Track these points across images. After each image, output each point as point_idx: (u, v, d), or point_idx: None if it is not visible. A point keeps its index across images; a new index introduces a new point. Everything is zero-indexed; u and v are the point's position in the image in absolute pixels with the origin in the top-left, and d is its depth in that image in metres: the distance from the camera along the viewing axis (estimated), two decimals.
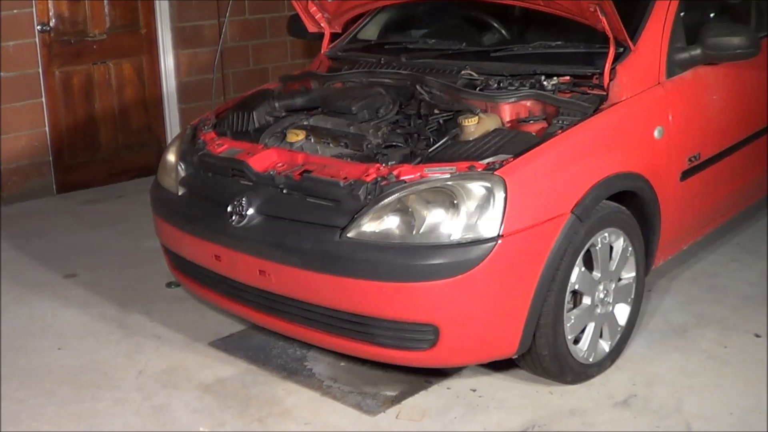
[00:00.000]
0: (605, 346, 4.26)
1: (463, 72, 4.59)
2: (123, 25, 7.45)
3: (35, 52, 6.90)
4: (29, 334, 4.83)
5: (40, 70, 6.94)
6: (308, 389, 4.17)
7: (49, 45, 7.05)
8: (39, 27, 6.96)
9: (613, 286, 4.24)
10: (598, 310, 4.17)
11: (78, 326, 4.90)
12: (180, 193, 4.54)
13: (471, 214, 3.69)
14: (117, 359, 4.53)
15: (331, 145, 4.31)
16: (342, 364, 4.34)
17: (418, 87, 4.53)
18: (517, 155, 3.86)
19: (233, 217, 4.08)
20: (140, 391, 4.23)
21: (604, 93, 4.27)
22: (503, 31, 5.26)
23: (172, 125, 7.74)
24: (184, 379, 4.30)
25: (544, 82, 4.36)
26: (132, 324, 4.89)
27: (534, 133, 4.11)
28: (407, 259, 3.70)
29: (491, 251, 3.66)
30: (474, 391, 4.12)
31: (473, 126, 4.11)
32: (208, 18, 7.71)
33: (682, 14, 4.68)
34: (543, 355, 3.97)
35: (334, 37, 5.49)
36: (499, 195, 3.70)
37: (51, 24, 7.04)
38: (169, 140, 7.41)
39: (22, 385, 4.30)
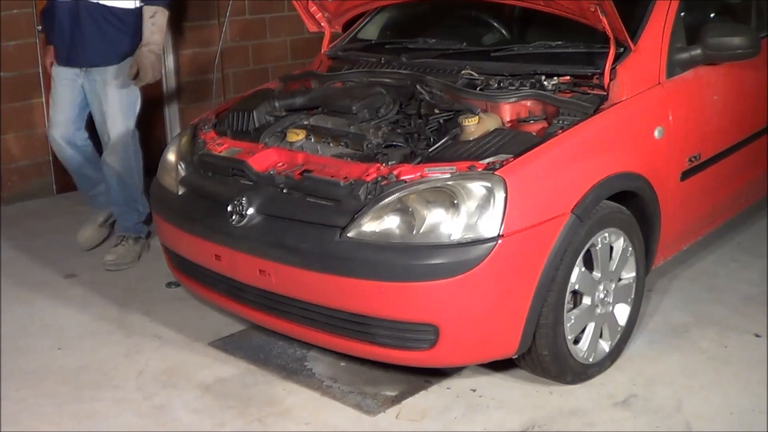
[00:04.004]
0: (605, 346, 4.26)
1: (463, 72, 4.59)
2: None
3: (35, 52, 6.89)
4: (29, 334, 4.83)
5: (40, 70, 6.93)
6: (308, 389, 4.17)
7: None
8: (39, 27, 6.94)
9: (613, 286, 4.23)
10: (598, 310, 4.17)
11: (78, 326, 4.90)
12: (180, 193, 4.54)
13: (471, 213, 3.69)
14: (117, 359, 4.53)
15: (331, 144, 4.31)
16: (342, 364, 4.34)
17: (418, 87, 4.53)
18: (517, 155, 3.86)
19: (233, 217, 4.07)
20: (140, 391, 4.23)
21: (605, 93, 4.27)
22: (503, 31, 5.26)
23: (172, 125, 7.72)
24: (184, 379, 4.30)
25: (545, 82, 4.35)
26: (132, 324, 4.89)
27: (534, 133, 4.10)
28: (407, 258, 3.70)
29: (491, 251, 3.66)
30: (474, 391, 4.12)
31: (473, 126, 4.11)
32: (208, 18, 7.71)
33: (682, 14, 4.68)
34: (543, 355, 3.97)
35: (335, 36, 5.50)
36: (500, 195, 3.70)
37: None
38: (169, 140, 7.40)
39: (22, 385, 4.30)
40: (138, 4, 5.53)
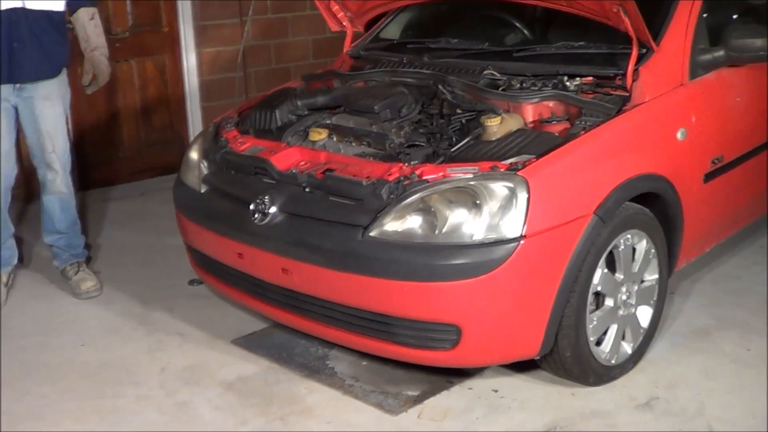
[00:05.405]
0: (627, 347, 4.25)
1: (485, 72, 4.59)
2: (146, 24, 7.47)
3: None
4: (52, 329, 4.86)
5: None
6: (330, 388, 4.18)
7: (71, 43, 7.06)
8: None
9: (636, 287, 4.23)
10: (621, 312, 4.16)
11: (101, 323, 4.93)
12: (203, 191, 4.56)
13: (493, 214, 3.69)
14: (139, 356, 4.55)
15: (353, 144, 4.31)
16: (364, 363, 4.35)
17: (440, 86, 4.52)
18: (539, 156, 3.86)
19: (256, 215, 4.09)
20: (162, 387, 4.25)
21: (627, 94, 4.26)
22: (526, 31, 5.25)
23: (195, 123, 7.75)
24: (207, 377, 4.32)
25: (567, 83, 4.35)
26: (155, 321, 4.92)
27: (557, 134, 4.10)
28: (429, 258, 3.70)
29: (514, 252, 3.66)
30: (496, 391, 4.12)
31: (496, 126, 4.11)
32: (230, 17, 7.73)
33: (705, 15, 4.66)
34: (565, 356, 3.97)
35: (357, 36, 5.51)
36: (522, 195, 3.70)
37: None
38: (191, 138, 7.43)
39: (44, 380, 4.33)
40: (64, 7, 5.08)
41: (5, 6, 4.86)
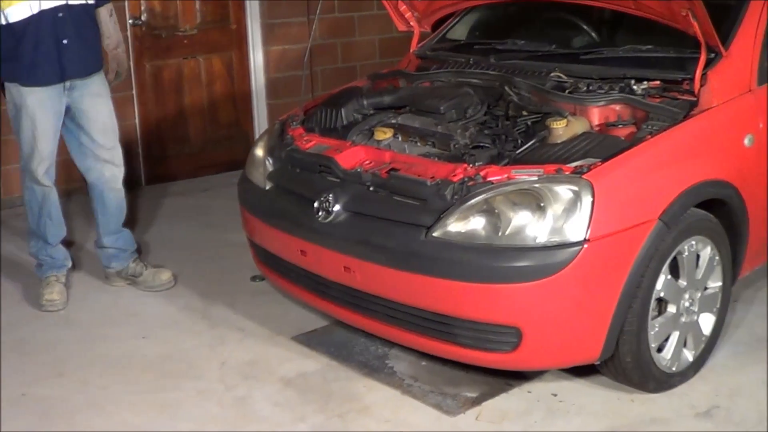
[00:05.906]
0: (689, 355, 4.20)
1: (552, 74, 4.57)
2: (213, 21, 7.55)
3: (127, 46, 6.98)
4: (114, 322, 4.93)
5: (132, 63, 7.03)
6: (389, 387, 4.19)
7: (140, 38, 7.17)
8: (131, 21, 7.07)
9: (699, 295, 4.18)
10: (683, 319, 4.12)
11: (162, 316, 4.98)
12: (267, 188, 4.59)
13: (557, 217, 3.67)
14: (200, 350, 4.59)
15: (418, 144, 4.32)
16: (423, 363, 4.34)
17: (506, 88, 4.51)
18: (605, 159, 3.83)
19: (320, 213, 4.11)
20: (222, 382, 4.28)
21: (695, 99, 4.21)
22: (593, 34, 5.22)
23: (260, 120, 7.82)
24: (266, 372, 4.35)
25: (634, 87, 4.31)
26: (216, 316, 4.96)
27: (623, 138, 4.07)
28: (492, 260, 3.70)
29: (577, 255, 3.64)
30: (555, 395, 4.10)
31: (561, 129, 4.09)
32: (297, 15, 7.78)
33: None
34: (626, 362, 3.94)
35: (423, 36, 5.52)
36: (587, 199, 3.68)
37: (142, 18, 7.15)
38: (256, 135, 7.49)
39: (105, 371, 4.39)
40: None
41: (51, 5, 4.86)
